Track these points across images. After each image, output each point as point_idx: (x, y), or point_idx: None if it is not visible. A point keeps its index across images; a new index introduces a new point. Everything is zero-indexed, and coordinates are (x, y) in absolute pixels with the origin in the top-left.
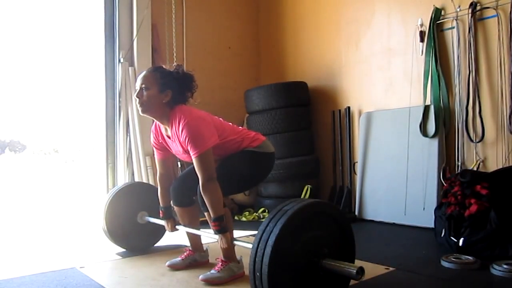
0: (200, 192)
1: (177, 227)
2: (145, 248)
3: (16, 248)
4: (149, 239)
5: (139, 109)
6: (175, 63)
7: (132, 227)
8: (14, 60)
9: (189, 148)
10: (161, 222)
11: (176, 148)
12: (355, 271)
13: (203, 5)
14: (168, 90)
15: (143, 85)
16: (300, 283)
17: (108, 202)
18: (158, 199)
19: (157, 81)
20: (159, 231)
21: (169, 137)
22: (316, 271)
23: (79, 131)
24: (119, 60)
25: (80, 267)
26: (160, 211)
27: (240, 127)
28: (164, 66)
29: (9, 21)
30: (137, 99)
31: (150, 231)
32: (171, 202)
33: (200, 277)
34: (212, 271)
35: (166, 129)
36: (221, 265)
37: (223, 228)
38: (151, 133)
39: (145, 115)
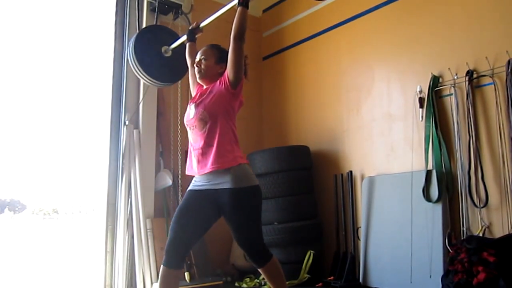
0: None
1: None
2: (170, 81)
3: None
4: (174, 74)
5: (197, 75)
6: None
7: (159, 61)
8: (19, 119)
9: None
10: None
11: (192, 111)
12: None
13: None
14: (223, 63)
15: (202, 57)
16: None
17: (134, 40)
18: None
19: (214, 54)
20: (182, 69)
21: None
22: None
23: (80, 192)
24: (125, 123)
25: None
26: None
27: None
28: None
29: (12, 84)
30: (196, 68)
31: (175, 66)
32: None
33: None
34: None
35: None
36: None
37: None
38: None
39: (200, 81)
